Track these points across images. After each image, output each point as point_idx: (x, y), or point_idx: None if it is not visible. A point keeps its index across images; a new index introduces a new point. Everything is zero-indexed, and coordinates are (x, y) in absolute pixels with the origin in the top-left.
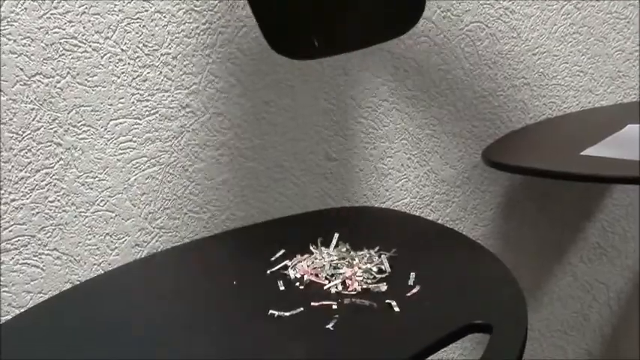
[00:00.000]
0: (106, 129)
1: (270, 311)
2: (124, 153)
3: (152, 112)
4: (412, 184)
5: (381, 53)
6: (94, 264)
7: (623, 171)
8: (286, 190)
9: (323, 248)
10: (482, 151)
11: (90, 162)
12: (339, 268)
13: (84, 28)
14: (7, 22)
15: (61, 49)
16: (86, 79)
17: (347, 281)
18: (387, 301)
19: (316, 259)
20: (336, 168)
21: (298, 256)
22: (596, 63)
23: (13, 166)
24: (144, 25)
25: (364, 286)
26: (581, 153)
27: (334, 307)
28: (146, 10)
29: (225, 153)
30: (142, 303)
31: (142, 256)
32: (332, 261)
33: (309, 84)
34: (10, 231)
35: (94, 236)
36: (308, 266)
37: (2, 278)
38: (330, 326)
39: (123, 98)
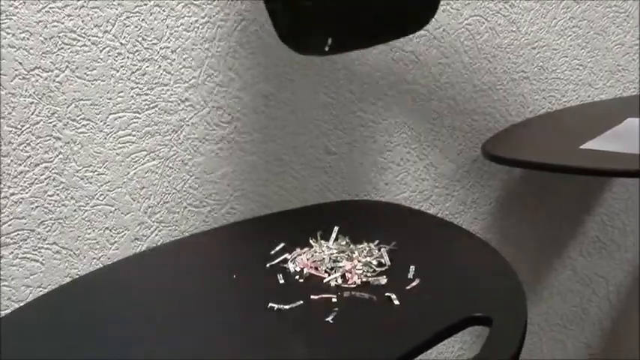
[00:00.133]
0: (105, 123)
1: (270, 304)
2: (124, 147)
3: (151, 105)
4: (412, 177)
5: (380, 47)
6: (94, 258)
7: (623, 164)
8: (286, 183)
9: (323, 242)
10: (482, 145)
11: (89, 156)
12: (338, 262)
13: (83, 21)
14: (6, 15)
15: (60, 42)
16: (85, 73)
17: (347, 274)
18: (386, 294)
19: (316, 252)
20: (336, 162)
21: (298, 250)
22: (595, 57)
23: (12, 160)
24: (143, 19)
25: (364, 279)
26: (581, 146)
27: (334, 300)
28: (145, 4)
29: (224, 147)
30: (141, 297)
31: (142, 250)
32: (332, 254)
33: (308, 78)
34: (10, 225)
35: (94, 230)
36: (308, 259)
37: (2, 272)
38: (329, 319)
39: (122, 92)
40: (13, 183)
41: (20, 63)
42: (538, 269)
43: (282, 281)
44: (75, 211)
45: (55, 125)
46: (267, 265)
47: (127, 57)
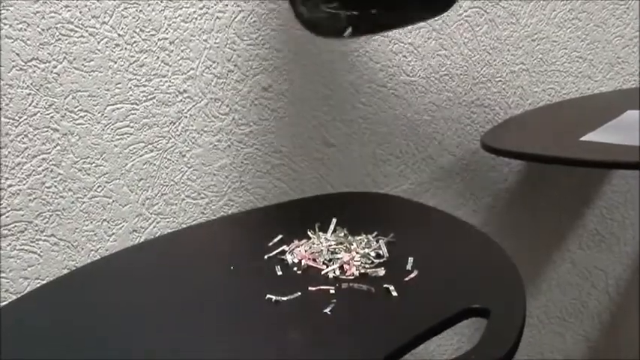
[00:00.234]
0: (103, 114)
1: (268, 296)
2: (121, 139)
3: (149, 97)
4: (410, 170)
5: (379, 38)
6: (92, 250)
7: (623, 156)
8: (284, 175)
9: (321, 233)
10: (481, 137)
11: (87, 147)
12: (336, 253)
13: (80, 12)
14: (3, 6)
15: (58, 33)
16: (83, 65)
17: (345, 266)
18: (384, 285)
19: (314, 244)
20: (335, 154)
21: (296, 241)
22: (595, 49)
23: (9, 152)
24: (141, 10)
25: (362, 271)
26: (581, 139)
27: (332, 291)
28: None
29: (222, 138)
30: (139, 288)
31: (140, 241)
32: (330, 246)
33: (307, 69)
34: (7, 217)
35: (92, 222)
36: (306, 251)
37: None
38: (327, 311)
39: (120, 83)
40: (10, 174)
41: (17, 54)
42: (537, 262)
43: (280, 273)
44: (73, 202)
45: (52, 117)
46: (265, 257)
47: (125, 48)
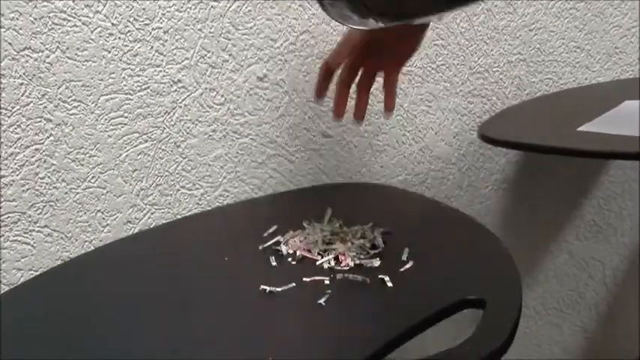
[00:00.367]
0: (96, 104)
1: (262, 286)
2: (115, 129)
3: (143, 87)
4: (407, 160)
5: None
6: (85, 241)
7: (621, 147)
8: (280, 166)
9: (316, 224)
10: (478, 128)
11: (80, 138)
12: (331, 244)
13: (73, 1)
14: None
15: (50, 23)
16: (76, 54)
17: (340, 257)
18: (380, 276)
19: (309, 234)
20: (331, 144)
21: (291, 232)
22: (593, 39)
23: (2, 143)
24: None
25: (357, 262)
26: (578, 129)
27: (326, 282)
28: None
29: (217, 129)
30: (133, 280)
31: (134, 232)
32: (325, 236)
33: (303, 59)
34: (0, 208)
35: (85, 213)
36: (300, 242)
37: None
38: (322, 301)
39: (114, 73)
40: (3, 165)
41: (10, 43)
42: (534, 252)
43: (274, 263)
44: (66, 193)
45: (45, 107)
46: (260, 248)
47: (119, 38)
